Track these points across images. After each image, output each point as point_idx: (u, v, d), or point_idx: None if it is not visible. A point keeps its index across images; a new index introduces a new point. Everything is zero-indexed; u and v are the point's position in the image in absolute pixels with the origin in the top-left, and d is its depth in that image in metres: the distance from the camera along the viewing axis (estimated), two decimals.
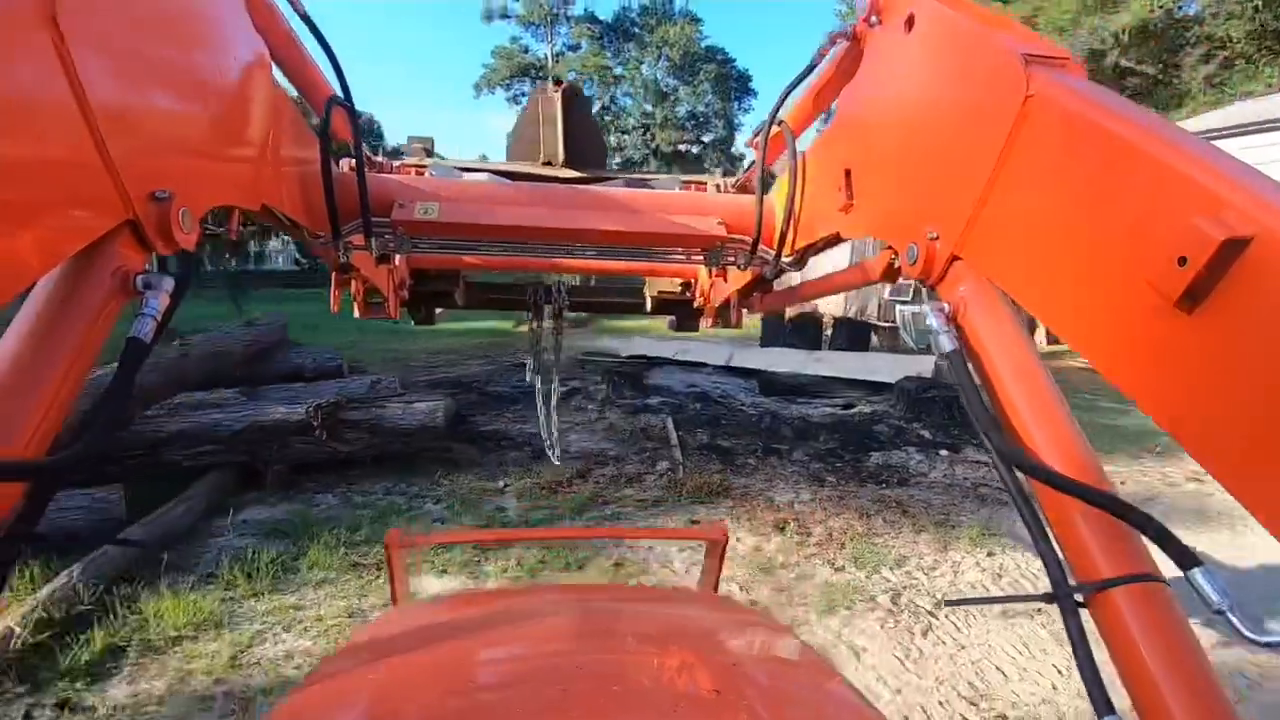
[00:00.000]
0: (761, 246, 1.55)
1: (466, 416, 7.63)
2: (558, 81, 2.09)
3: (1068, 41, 20.84)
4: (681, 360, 11.04)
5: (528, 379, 2.77)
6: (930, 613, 4.14)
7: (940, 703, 3.32)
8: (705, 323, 2.38)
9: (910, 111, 1.05)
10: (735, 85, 43.82)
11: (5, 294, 0.61)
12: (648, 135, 43.25)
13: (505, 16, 46.82)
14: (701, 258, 1.71)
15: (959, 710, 3.27)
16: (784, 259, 1.52)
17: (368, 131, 38.21)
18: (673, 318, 2.62)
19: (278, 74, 1.24)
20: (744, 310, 2.05)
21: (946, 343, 0.90)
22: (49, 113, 0.65)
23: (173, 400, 5.54)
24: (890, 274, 1.16)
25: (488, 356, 12.34)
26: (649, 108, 44.29)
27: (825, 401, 9.22)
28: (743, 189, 1.90)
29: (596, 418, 8.19)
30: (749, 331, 16.32)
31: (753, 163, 1.71)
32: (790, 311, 13.07)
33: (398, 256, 1.93)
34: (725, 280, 2.03)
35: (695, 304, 2.35)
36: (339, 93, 1.39)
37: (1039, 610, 4.20)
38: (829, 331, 13.58)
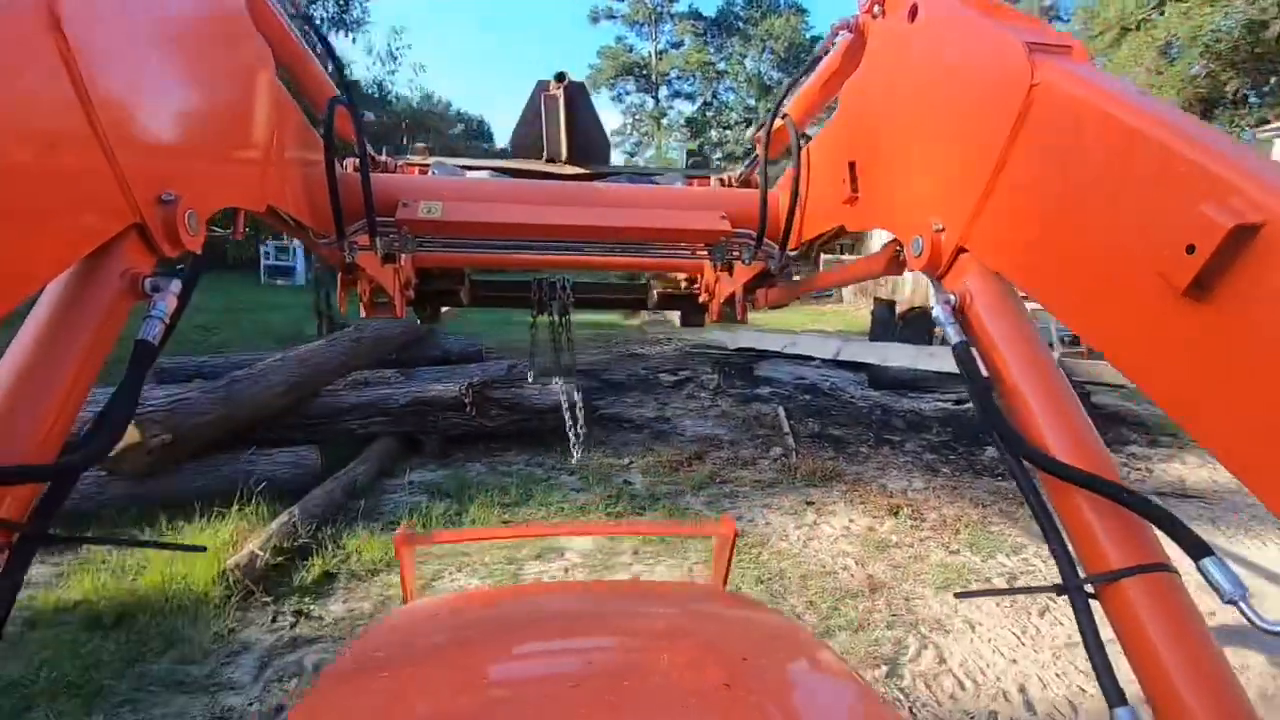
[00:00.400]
0: (766, 241, 1.54)
1: (588, 400, 8.22)
2: (560, 78, 2.05)
3: (1220, 12, 19.06)
4: (789, 354, 11.22)
5: (529, 379, 2.71)
6: (1049, 597, 4.26)
7: (1057, 675, 3.49)
8: (710, 317, 2.35)
9: (914, 102, 1.04)
10: None
11: (15, 298, 0.62)
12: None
13: (611, 17, 47.93)
14: (706, 253, 1.70)
15: (1076, 682, 3.42)
16: (789, 253, 1.53)
17: (479, 133, 40.22)
18: (680, 313, 2.60)
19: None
20: (749, 305, 2.02)
21: (953, 334, 0.90)
22: (55, 118, 0.66)
23: (348, 378, 6.43)
24: (895, 266, 1.18)
25: (600, 346, 13.00)
26: (752, 102, 44.04)
27: (937, 396, 9.16)
28: (746, 183, 1.89)
29: (709, 405, 8.59)
30: (857, 325, 16.16)
31: (755, 157, 1.69)
32: (900, 307, 12.92)
33: (403, 256, 1.92)
34: (730, 275, 2.01)
35: (700, 299, 2.33)
36: (341, 93, 1.39)
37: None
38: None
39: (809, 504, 5.58)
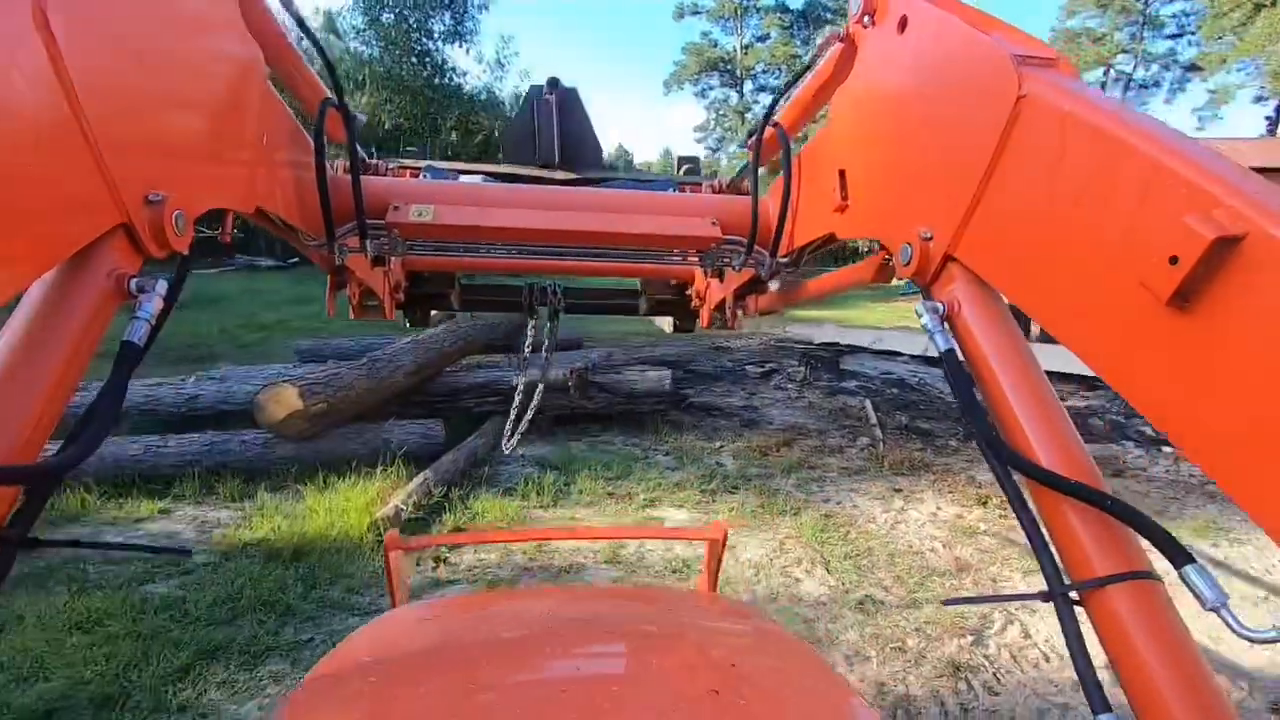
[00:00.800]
0: (756, 248, 1.55)
1: (679, 389, 8.63)
2: (553, 83, 2.08)
3: None
4: (876, 349, 11.23)
5: (513, 381, 2.69)
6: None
7: None
8: (701, 324, 2.34)
9: (903, 112, 1.05)
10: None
11: (1, 297, 0.61)
12: None
13: (696, 13, 48.03)
14: (697, 259, 1.71)
15: None
16: (779, 259, 1.53)
17: None
18: (672, 318, 2.59)
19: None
20: (739, 312, 2.03)
21: (941, 342, 0.90)
22: (41, 117, 0.65)
23: (464, 361, 7.09)
24: (884, 274, 1.19)
25: (686, 339, 13.37)
26: None
27: None
28: (737, 190, 1.89)
29: (796, 397, 8.82)
30: None
31: (746, 165, 1.70)
32: None
33: (393, 259, 1.89)
34: (721, 281, 2.00)
35: (691, 305, 2.33)
36: (333, 95, 1.39)
37: (1266, 598, 4.21)
38: (1037, 328, 12.86)
39: (896, 491, 5.76)
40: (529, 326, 2.32)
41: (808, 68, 1.44)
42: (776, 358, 11.09)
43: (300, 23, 1.30)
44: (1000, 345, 0.87)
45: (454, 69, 18.15)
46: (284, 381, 5.30)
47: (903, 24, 1.04)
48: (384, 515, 4.56)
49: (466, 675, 1.05)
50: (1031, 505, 0.81)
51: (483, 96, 20.30)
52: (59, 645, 3.32)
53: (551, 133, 2.06)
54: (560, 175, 2.07)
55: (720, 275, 1.96)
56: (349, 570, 4.18)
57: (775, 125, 1.52)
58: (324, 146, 1.34)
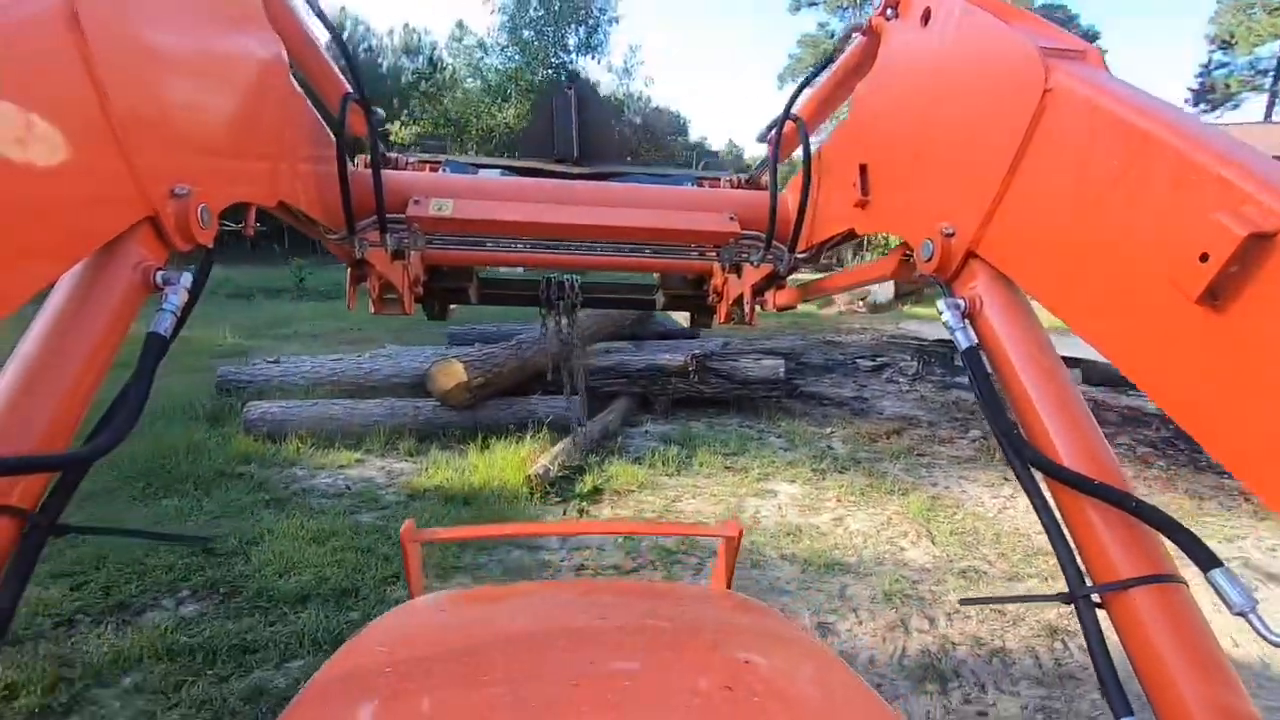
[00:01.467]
0: (775, 243, 1.53)
1: (790, 378, 9.03)
2: (572, 78, 2.50)
3: None
4: None
5: (549, 376, 2.88)
6: (1261, 582, 4.36)
7: (1252, 639, 3.73)
8: (718, 319, 2.33)
9: (926, 106, 1.03)
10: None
11: (29, 290, 0.63)
12: None
13: (813, 4, 47.15)
14: (715, 254, 1.71)
15: (1266, 649, 3.64)
16: (798, 255, 1.52)
17: (679, 128, 41.99)
18: (688, 315, 2.60)
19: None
20: (757, 307, 2.00)
21: (962, 339, 0.89)
22: (72, 113, 0.67)
23: (594, 346, 7.87)
24: (904, 270, 1.17)
25: (796, 333, 13.64)
26: None
27: None
28: (756, 186, 1.88)
29: (907, 390, 8.98)
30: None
31: (765, 160, 1.66)
32: None
33: (412, 253, 1.90)
34: (739, 276, 1.99)
35: (709, 301, 2.31)
36: (354, 90, 1.39)
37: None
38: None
39: (1006, 479, 5.93)
40: (545, 319, 2.35)
41: (829, 60, 1.43)
42: (889, 352, 11.19)
43: (321, 16, 1.33)
44: (1023, 342, 0.87)
45: (585, 79, 19.43)
46: (452, 358, 6.25)
47: (926, 16, 1.04)
48: (535, 472, 5.35)
49: (481, 667, 1.05)
50: (1053, 505, 0.80)
51: (611, 104, 21.39)
52: (302, 552, 4.29)
53: (570, 127, 2.08)
54: (577, 170, 2.08)
55: (738, 270, 1.96)
56: (509, 514, 4.99)
57: (795, 119, 1.50)
58: (345, 141, 1.36)
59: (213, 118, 0.95)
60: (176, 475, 5.32)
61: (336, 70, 1.47)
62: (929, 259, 0.98)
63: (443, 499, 5.19)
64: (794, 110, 1.52)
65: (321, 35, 1.39)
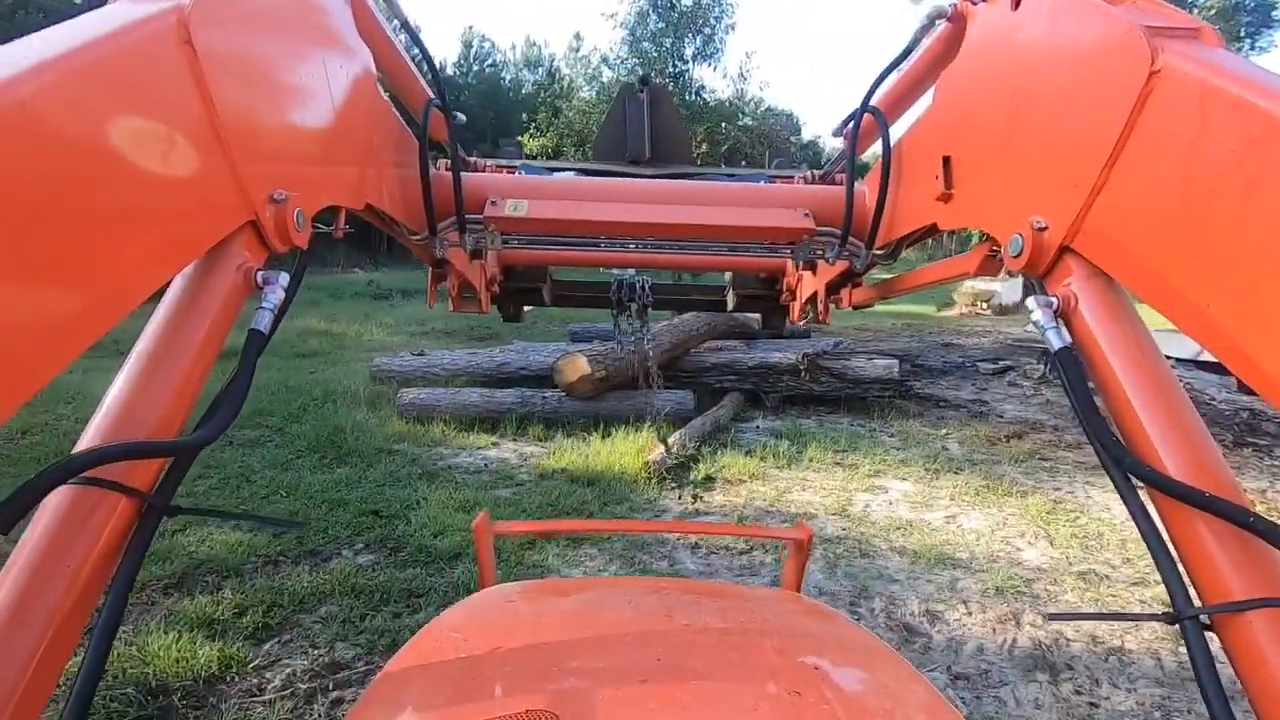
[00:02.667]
0: (851, 239, 1.50)
1: (905, 379, 8.93)
2: (644, 81, 2.13)
3: None
4: None
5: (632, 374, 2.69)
6: None
7: None
8: (791, 319, 2.27)
9: (1018, 93, 0.99)
10: (1250, 18, 34.17)
11: (148, 289, 0.68)
12: None
13: None
14: (788, 250, 1.68)
15: None
16: (875, 251, 1.49)
17: (793, 128, 41.49)
18: (759, 315, 2.56)
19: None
20: (832, 306, 1.95)
21: (1055, 340, 0.86)
22: (185, 125, 0.72)
23: (707, 344, 8.19)
24: (990, 266, 1.14)
25: (912, 334, 13.30)
26: None
27: None
28: (832, 181, 1.84)
29: (1031, 394, 8.63)
30: None
31: (841, 154, 1.64)
32: None
33: (490, 252, 1.96)
34: (813, 274, 1.96)
35: (782, 299, 2.25)
36: (436, 96, 1.43)
37: None
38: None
39: (1139, 488, 5.67)
40: (617, 320, 2.42)
41: (909, 50, 1.40)
42: (1013, 355, 10.73)
43: (406, 26, 1.38)
44: (1123, 343, 0.82)
45: (702, 86, 19.70)
46: (577, 352, 6.78)
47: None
48: (652, 460, 5.75)
49: (551, 658, 1.07)
50: (1156, 519, 0.76)
51: (727, 108, 21.65)
52: (452, 518, 4.90)
53: (642, 129, 2.10)
54: (649, 170, 2.10)
55: (813, 268, 1.94)
56: (629, 496, 5.41)
57: (873, 111, 1.46)
58: (427, 145, 1.41)
59: (308, 126, 1.00)
60: (345, 450, 6.16)
61: (420, 77, 1.53)
62: (1018, 254, 0.93)
63: (568, 479, 5.69)
64: (872, 102, 1.49)
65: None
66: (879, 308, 16.52)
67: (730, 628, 1.23)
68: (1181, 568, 0.74)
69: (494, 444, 6.57)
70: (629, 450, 6.07)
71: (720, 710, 0.93)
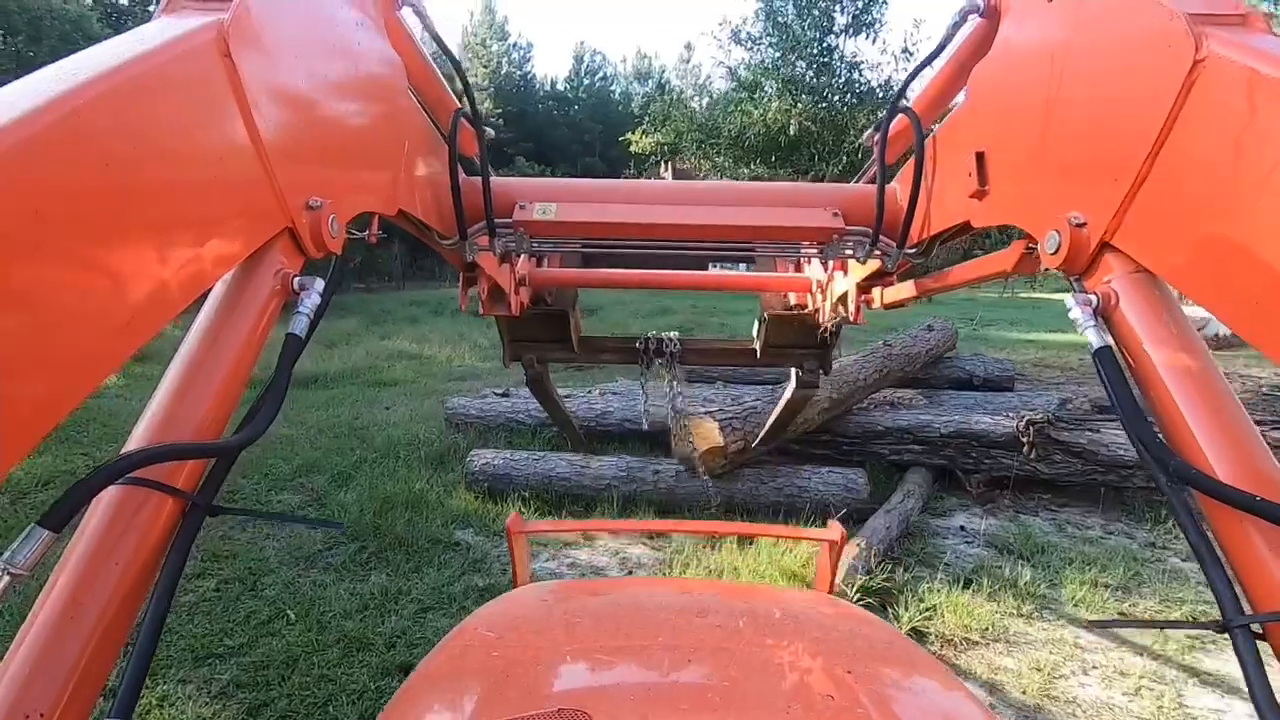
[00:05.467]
0: (883, 238, 1.47)
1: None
2: None
3: None
4: None
5: (644, 425, 2.98)
6: None
7: None
8: (821, 319, 2.22)
9: (1054, 85, 0.96)
10: None
11: (192, 294, 0.71)
12: None
13: None
14: (817, 250, 1.63)
15: None
16: (907, 250, 1.46)
17: None
18: (795, 370, 2.58)
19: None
20: (864, 304, 1.93)
21: (1095, 338, 0.84)
22: (225, 136, 0.76)
23: (877, 397, 6.02)
24: (1027, 265, 1.15)
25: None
26: None
27: None
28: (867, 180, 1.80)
29: None
30: None
31: (872, 160, 1.62)
32: None
33: (522, 258, 2.05)
34: (845, 274, 1.94)
35: (811, 309, 2.27)
36: (465, 106, 1.47)
37: None
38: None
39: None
40: (645, 375, 2.60)
41: (942, 46, 1.37)
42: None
43: (437, 39, 1.39)
44: (1167, 341, 0.80)
45: (858, 63, 16.84)
46: (704, 415, 4.85)
47: None
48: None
49: (584, 656, 1.10)
50: (1205, 524, 0.73)
51: (891, 90, 18.64)
52: None
53: None
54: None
55: (845, 267, 1.93)
56: None
57: (905, 110, 1.44)
58: (456, 152, 1.44)
59: (342, 135, 1.02)
60: (391, 538, 4.54)
61: (447, 87, 1.56)
62: (1055, 251, 0.92)
63: None
64: (904, 101, 1.48)
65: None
66: (1061, 336, 13.57)
67: (765, 629, 1.23)
68: (1231, 574, 0.73)
69: (587, 541, 4.74)
70: (783, 570, 4.07)
71: (752, 712, 0.93)
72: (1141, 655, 3.47)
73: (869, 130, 1.61)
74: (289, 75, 0.87)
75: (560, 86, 54.41)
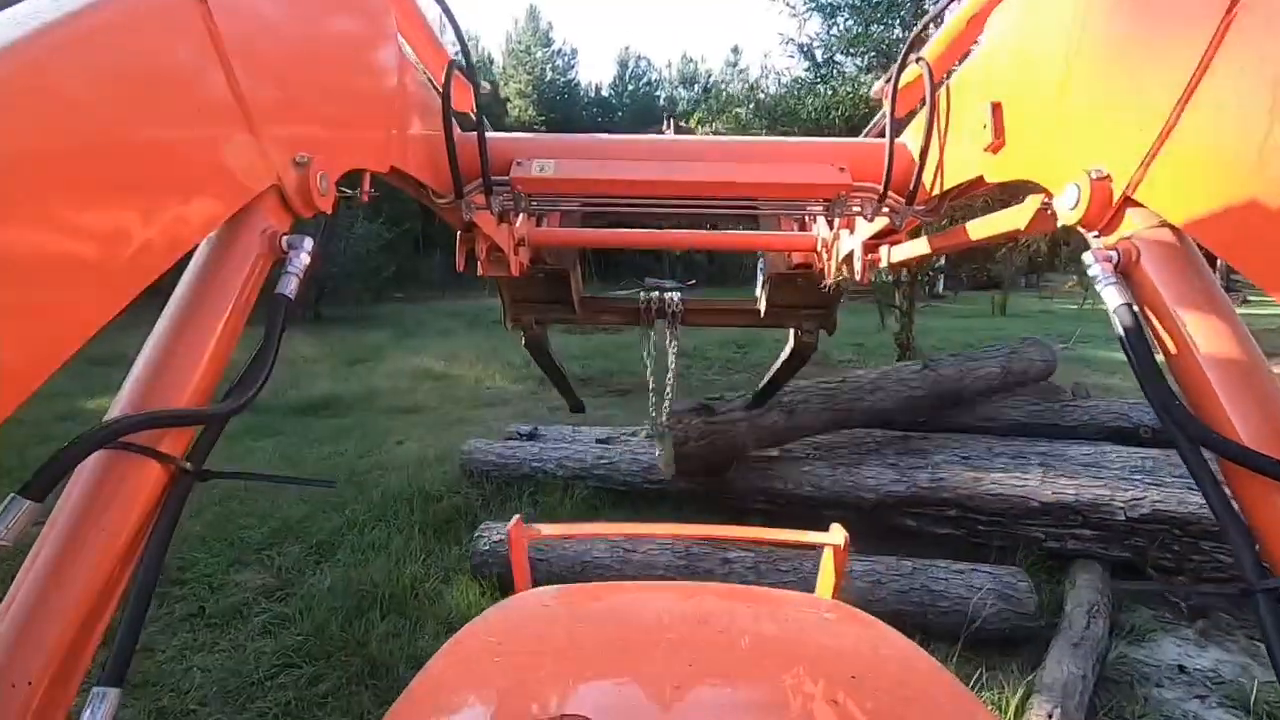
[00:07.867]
0: (891, 195, 1.42)
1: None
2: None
3: None
4: None
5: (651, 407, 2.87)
6: None
7: None
8: (826, 277, 2.11)
9: (1077, 29, 0.90)
10: None
11: (170, 257, 0.67)
12: None
13: None
14: (821, 209, 1.56)
15: None
16: (915, 208, 1.40)
17: None
18: (793, 329, 2.57)
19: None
20: (869, 265, 1.84)
21: (1114, 296, 0.78)
22: (203, 88, 0.70)
23: (1028, 456, 4.49)
24: (1044, 222, 1.06)
25: None
26: None
27: None
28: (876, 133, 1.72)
29: None
30: None
31: (881, 113, 1.53)
32: None
33: (520, 216, 1.98)
34: (851, 232, 1.87)
35: (817, 268, 2.17)
36: (460, 58, 1.43)
37: None
38: None
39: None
40: (648, 338, 2.68)
41: None
42: None
43: None
44: (1192, 300, 0.75)
45: None
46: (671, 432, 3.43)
47: None
48: None
49: (583, 662, 1.09)
50: (1228, 489, 0.70)
51: None
52: None
53: None
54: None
55: (851, 225, 1.89)
56: None
57: (918, 61, 1.38)
58: (451, 105, 1.38)
59: (329, 87, 0.97)
60: (360, 661, 3.26)
61: (438, 39, 1.51)
62: (1074, 206, 0.86)
63: None
64: (916, 51, 1.41)
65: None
66: None
67: (767, 634, 1.23)
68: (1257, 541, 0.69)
69: None
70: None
71: (756, 718, 0.93)
72: None
73: (879, 82, 1.50)
74: (270, 24, 0.83)
75: (605, 92, 53.62)
